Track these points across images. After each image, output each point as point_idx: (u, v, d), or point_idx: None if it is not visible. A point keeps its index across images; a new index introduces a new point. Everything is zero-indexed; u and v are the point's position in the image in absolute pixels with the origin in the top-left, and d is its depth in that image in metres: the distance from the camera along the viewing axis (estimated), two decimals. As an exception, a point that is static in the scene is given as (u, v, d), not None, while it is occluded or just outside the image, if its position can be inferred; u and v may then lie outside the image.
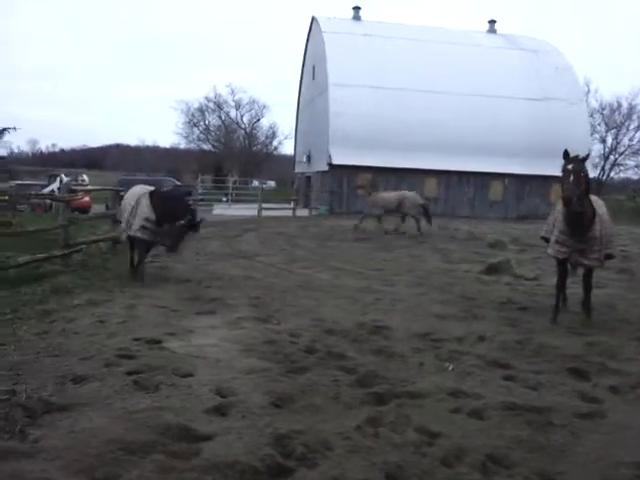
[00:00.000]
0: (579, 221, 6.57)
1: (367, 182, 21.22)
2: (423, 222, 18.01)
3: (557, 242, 6.88)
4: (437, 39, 34.67)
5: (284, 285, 8.99)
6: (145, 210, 8.59)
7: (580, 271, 7.39)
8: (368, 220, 19.17)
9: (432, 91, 32.04)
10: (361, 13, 36.95)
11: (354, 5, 36.86)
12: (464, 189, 32.44)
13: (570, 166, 6.41)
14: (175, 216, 8.50)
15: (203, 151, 60.13)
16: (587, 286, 7.11)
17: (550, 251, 7.10)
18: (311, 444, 3.48)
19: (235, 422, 3.80)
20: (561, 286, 7.22)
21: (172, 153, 68.77)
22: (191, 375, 4.65)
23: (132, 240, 9.12)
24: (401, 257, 13.08)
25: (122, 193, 14.32)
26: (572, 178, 6.33)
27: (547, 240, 7.84)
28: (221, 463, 3.20)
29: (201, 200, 29.17)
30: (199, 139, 60.12)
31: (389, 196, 19.00)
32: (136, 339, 5.60)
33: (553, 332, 6.47)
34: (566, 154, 6.55)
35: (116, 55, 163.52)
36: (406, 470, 3.24)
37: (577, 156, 6.51)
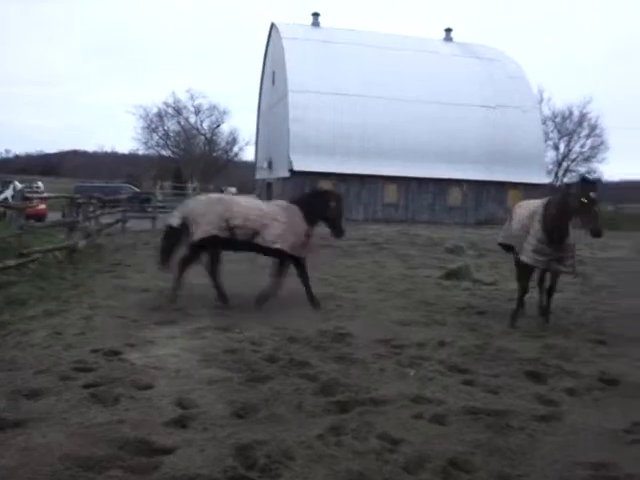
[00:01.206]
0: (560, 231, 6.70)
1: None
2: None
3: (535, 251, 6.89)
4: (395, 46, 35.15)
5: (245, 293, 8.90)
6: (302, 224, 7.78)
7: (535, 276, 7.58)
8: None
9: (391, 98, 32.44)
10: (320, 19, 37.19)
11: (313, 11, 37.10)
12: (423, 195, 32.89)
13: (593, 194, 6.33)
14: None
15: (162, 157, 59.42)
16: (551, 291, 7.23)
17: (526, 259, 7.06)
18: (273, 454, 3.46)
19: (196, 434, 3.74)
20: (525, 292, 7.35)
21: (131, 159, 67.67)
22: (151, 387, 4.56)
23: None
24: (364, 263, 13.17)
25: (79, 200, 14.07)
26: (597, 208, 6.36)
27: (505, 247, 7.99)
28: (182, 477, 3.15)
29: (161, 207, 28.69)
30: (158, 145, 59.49)
31: None
32: (94, 351, 5.46)
33: (511, 336, 6.61)
34: (584, 179, 6.59)
35: (73, 60, 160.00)
36: (368, 478, 3.25)
37: (595, 182, 6.57)
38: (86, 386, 4.49)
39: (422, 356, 5.67)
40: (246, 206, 7.75)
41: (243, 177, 60.39)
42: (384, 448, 3.63)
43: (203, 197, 8.22)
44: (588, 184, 6.48)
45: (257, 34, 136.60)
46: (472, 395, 4.62)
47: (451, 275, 10.70)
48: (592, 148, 54.16)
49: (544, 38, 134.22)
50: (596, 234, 6.31)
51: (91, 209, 15.24)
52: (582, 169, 55.06)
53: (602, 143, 53.44)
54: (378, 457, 3.51)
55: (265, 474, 3.28)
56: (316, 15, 36.99)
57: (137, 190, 37.12)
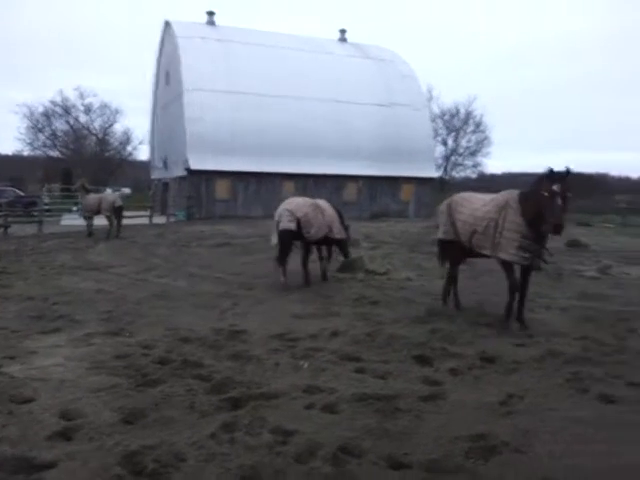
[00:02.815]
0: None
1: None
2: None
3: (520, 247, 6.44)
4: (291, 46, 35.30)
5: (138, 296, 8.63)
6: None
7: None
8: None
9: (287, 96, 32.58)
10: (215, 18, 36.57)
11: (208, 10, 36.42)
12: (321, 191, 33.31)
13: (556, 186, 5.88)
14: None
15: (50, 158, 56.04)
16: (524, 291, 6.82)
17: (509, 257, 6.57)
18: (163, 458, 3.39)
19: (81, 445, 3.59)
20: (515, 288, 6.83)
21: (15, 160, 63.16)
22: (32, 400, 4.31)
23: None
24: (261, 260, 13.13)
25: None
26: (561, 202, 5.82)
27: (443, 242, 7.80)
28: (63, 491, 3.01)
29: (47, 211, 27.07)
30: (45, 145, 56.00)
31: (92, 198, 19.51)
32: (-32, 367, 5.09)
33: (401, 323, 6.87)
34: (551, 172, 6.02)
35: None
36: (260, 472, 3.27)
37: (562, 173, 5.97)
38: (-43, 405, 4.17)
39: (316, 347, 5.77)
40: (325, 207, 9.87)
41: (138, 176, 58.33)
42: (277, 441, 3.66)
43: (306, 202, 9.73)
44: (552, 176, 6.00)
45: (149, 31, 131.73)
46: (362, 382, 4.76)
47: (346, 267, 10.92)
48: (477, 143, 57.68)
49: (433, 39, 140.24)
50: (555, 230, 5.86)
51: (-34, 215, 14.18)
52: (469, 162, 58.45)
53: (486, 138, 57.02)
54: (270, 450, 3.53)
55: (154, 478, 3.21)
56: (211, 14, 36.30)
57: (21, 193, 34.82)
